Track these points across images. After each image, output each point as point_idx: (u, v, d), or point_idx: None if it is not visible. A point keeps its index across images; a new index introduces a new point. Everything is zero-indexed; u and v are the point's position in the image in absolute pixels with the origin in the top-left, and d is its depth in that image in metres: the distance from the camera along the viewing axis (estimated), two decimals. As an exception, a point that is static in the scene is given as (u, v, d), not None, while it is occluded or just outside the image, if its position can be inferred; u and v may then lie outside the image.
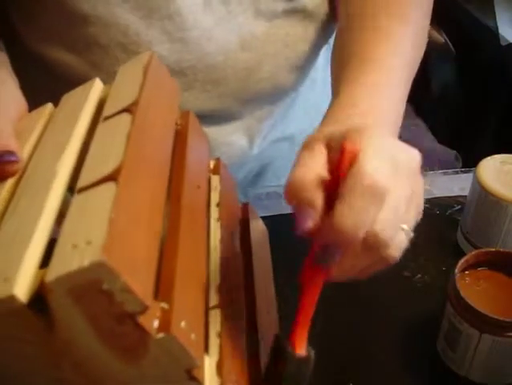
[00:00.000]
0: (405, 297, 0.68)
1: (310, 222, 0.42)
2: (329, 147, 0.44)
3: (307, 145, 0.45)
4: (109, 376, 0.38)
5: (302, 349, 0.47)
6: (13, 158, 0.46)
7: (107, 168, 0.38)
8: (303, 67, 0.82)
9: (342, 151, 0.42)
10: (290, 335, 0.46)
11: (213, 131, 0.80)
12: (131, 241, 0.36)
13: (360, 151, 0.41)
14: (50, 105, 0.54)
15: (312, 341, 0.62)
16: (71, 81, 0.74)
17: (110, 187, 0.37)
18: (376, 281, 0.69)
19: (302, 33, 0.78)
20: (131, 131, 0.41)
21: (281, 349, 0.47)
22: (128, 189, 0.37)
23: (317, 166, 0.43)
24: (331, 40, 0.78)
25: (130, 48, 0.71)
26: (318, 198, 0.42)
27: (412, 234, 0.45)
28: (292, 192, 0.43)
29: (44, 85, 0.74)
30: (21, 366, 0.38)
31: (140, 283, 0.34)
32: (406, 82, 0.61)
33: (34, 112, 0.54)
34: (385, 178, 0.41)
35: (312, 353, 0.48)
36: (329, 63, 0.68)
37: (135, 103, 0.44)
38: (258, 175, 0.93)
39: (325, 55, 0.86)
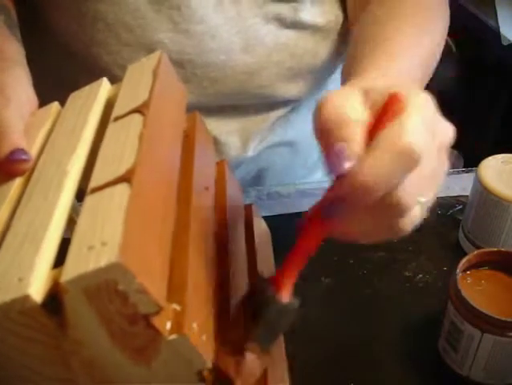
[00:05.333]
0: (406, 297, 0.68)
1: (347, 162, 0.36)
2: (366, 96, 0.39)
3: (336, 92, 0.39)
4: (118, 377, 0.38)
5: (285, 296, 0.42)
6: (24, 156, 0.46)
7: (121, 169, 0.38)
8: (307, 80, 0.81)
9: (390, 99, 0.37)
10: (275, 280, 0.42)
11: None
12: (145, 242, 0.36)
13: (407, 105, 0.37)
14: (56, 104, 0.53)
15: (312, 341, 0.62)
16: (72, 54, 0.75)
17: (123, 188, 0.37)
18: (377, 281, 0.70)
19: (312, 47, 0.77)
20: (143, 132, 0.41)
21: (261, 292, 0.42)
22: (142, 190, 0.37)
23: (356, 105, 0.38)
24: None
25: (135, 30, 0.72)
26: (358, 135, 0.36)
27: (426, 211, 0.40)
28: (327, 126, 0.37)
29: (47, 58, 0.77)
30: (29, 365, 0.38)
31: (155, 285, 0.34)
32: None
33: (40, 111, 0.53)
34: (423, 144, 0.36)
35: (296, 303, 0.43)
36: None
37: (146, 104, 0.44)
38: (256, 178, 0.92)
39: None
